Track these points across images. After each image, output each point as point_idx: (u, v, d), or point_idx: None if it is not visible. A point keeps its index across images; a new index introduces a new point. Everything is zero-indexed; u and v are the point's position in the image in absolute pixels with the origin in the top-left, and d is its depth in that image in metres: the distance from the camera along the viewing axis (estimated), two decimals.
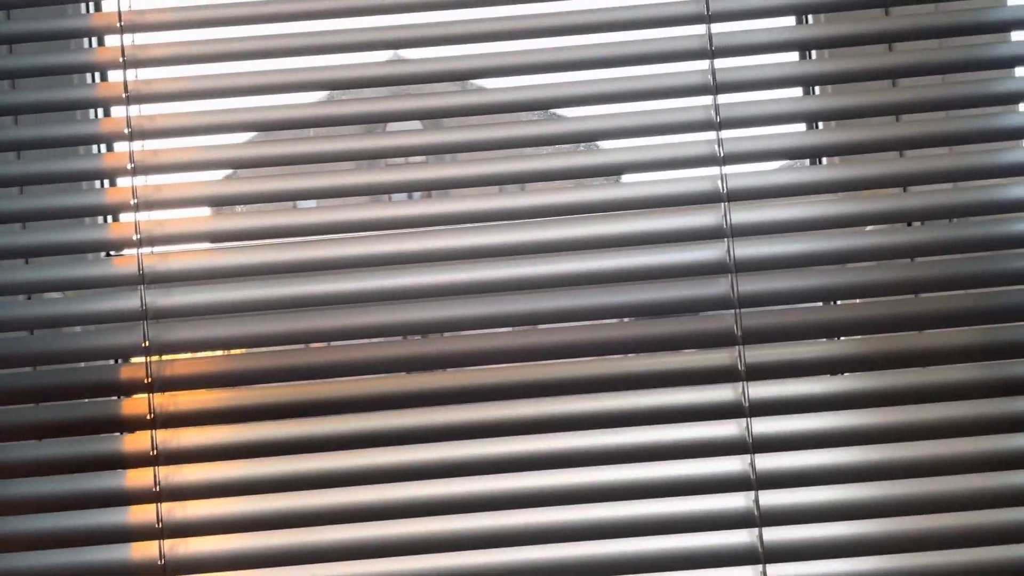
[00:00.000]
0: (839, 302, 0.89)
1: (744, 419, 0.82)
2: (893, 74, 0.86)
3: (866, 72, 0.85)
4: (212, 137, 0.85)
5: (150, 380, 0.82)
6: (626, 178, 0.88)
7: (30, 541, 0.82)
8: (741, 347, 0.82)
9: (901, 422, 0.83)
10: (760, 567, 0.81)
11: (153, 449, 0.82)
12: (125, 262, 0.84)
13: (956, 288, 0.83)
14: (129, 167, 0.84)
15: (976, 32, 0.85)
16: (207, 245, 0.87)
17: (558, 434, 0.84)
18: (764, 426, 0.82)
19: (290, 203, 0.93)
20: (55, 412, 0.84)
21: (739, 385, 0.82)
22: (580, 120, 0.86)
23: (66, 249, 0.85)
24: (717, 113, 0.84)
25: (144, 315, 0.82)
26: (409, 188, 0.86)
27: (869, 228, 0.86)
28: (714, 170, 0.84)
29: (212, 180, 0.86)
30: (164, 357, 0.83)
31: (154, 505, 0.82)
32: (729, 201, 0.83)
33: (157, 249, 0.84)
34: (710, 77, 0.84)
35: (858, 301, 0.87)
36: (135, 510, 0.83)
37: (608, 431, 0.83)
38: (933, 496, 0.82)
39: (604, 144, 0.87)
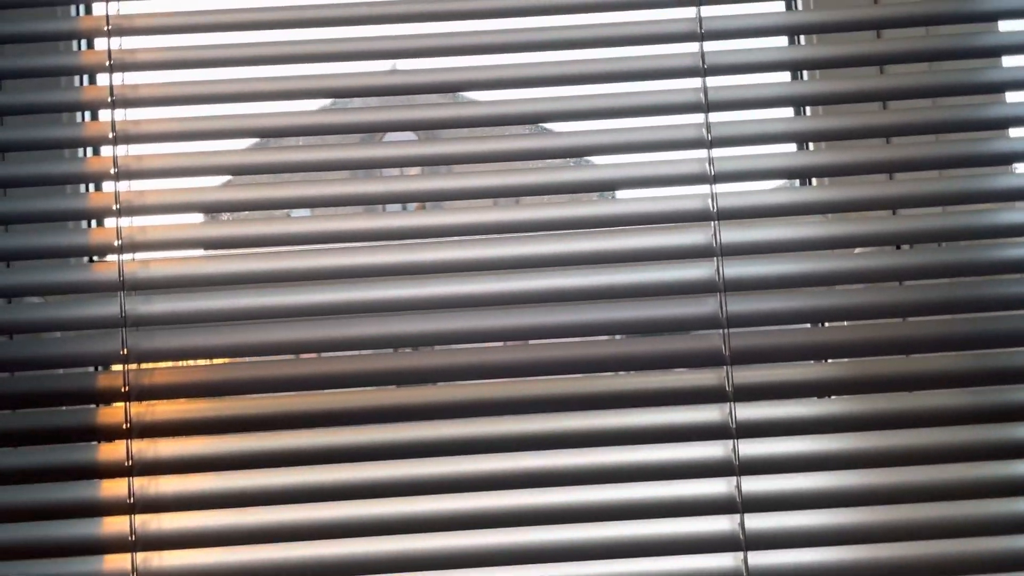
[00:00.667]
0: (827, 324, 0.88)
1: (731, 440, 0.81)
2: (884, 96, 0.86)
3: (857, 94, 0.85)
4: (198, 143, 0.84)
5: (127, 389, 0.80)
6: (617, 194, 0.88)
7: None
8: (729, 367, 0.82)
9: (888, 447, 0.82)
10: None
11: (128, 460, 0.80)
12: (106, 267, 0.82)
13: (944, 312, 0.83)
14: (113, 171, 0.82)
15: (967, 56, 0.86)
16: (189, 252, 0.86)
17: (543, 452, 0.82)
18: (751, 448, 0.81)
19: (280, 212, 0.92)
20: (30, 420, 0.82)
21: (726, 406, 0.82)
22: (571, 135, 0.86)
23: (46, 253, 0.84)
24: (708, 131, 0.83)
25: (123, 322, 0.81)
26: (402, 199, 0.85)
27: (858, 250, 0.86)
28: (705, 188, 0.83)
29: (196, 187, 0.84)
30: (143, 365, 0.81)
31: (127, 517, 0.80)
32: (719, 220, 0.83)
33: (138, 255, 0.82)
34: (702, 95, 0.84)
35: (846, 324, 0.86)
36: (108, 522, 0.81)
37: (593, 449, 0.82)
38: (921, 522, 0.81)
39: (596, 160, 0.87)
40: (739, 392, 0.81)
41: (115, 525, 0.80)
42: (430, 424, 0.83)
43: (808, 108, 0.93)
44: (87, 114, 0.92)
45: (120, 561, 0.80)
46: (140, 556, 0.80)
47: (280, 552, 0.81)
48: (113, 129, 0.83)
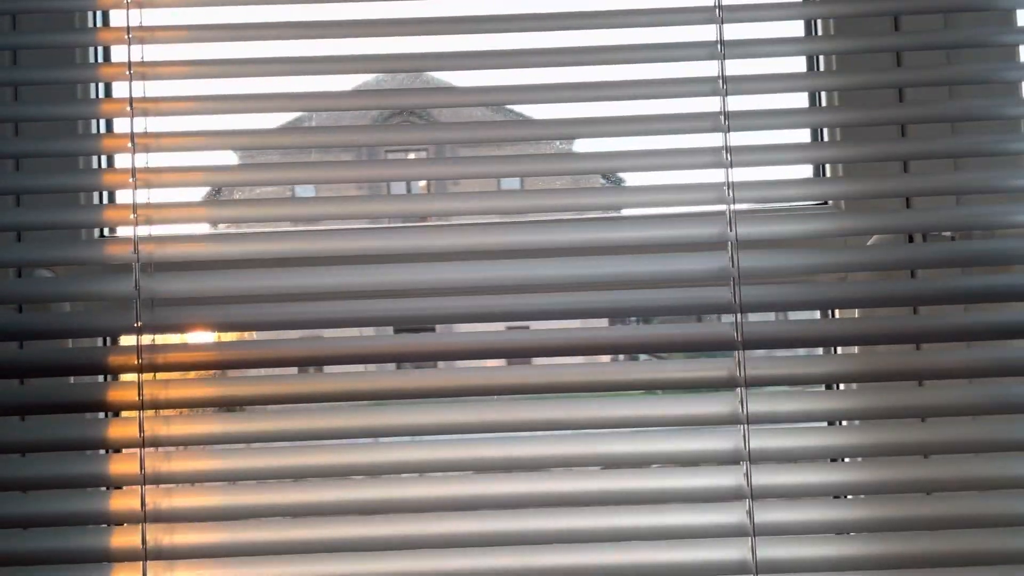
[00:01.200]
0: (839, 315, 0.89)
1: (742, 426, 0.81)
2: (900, 85, 0.87)
3: (873, 83, 0.85)
4: (216, 118, 0.84)
5: (140, 361, 0.80)
6: (633, 178, 0.88)
7: (4, 522, 0.80)
8: (741, 352, 0.81)
9: (898, 440, 0.82)
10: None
11: (140, 432, 0.80)
12: (120, 241, 0.82)
13: (957, 302, 0.83)
14: (129, 145, 0.82)
15: (985, 45, 0.86)
16: (204, 228, 0.86)
17: (549, 437, 0.83)
18: (762, 441, 0.81)
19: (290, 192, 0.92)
20: (41, 392, 0.82)
21: (738, 392, 0.81)
22: (585, 123, 0.85)
23: (60, 227, 0.84)
24: (726, 116, 0.83)
25: (136, 294, 0.81)
26: (409, 179, 0.86)
27: (871, 241, 0.86)
28: (721, 172, 0.83)
29: (213, 164, 0.84)
30: (157, 339, 0.81)
31: (138, 488, 0.80)
32: (734, 204, 0.82)
33: (154, 229, 0.82)
34: (720, 80, 0.83)
35: (857, 314, 0.86)
36: (118, 494, 0.81)
37: (604, 435, 0.82)
38: (930, 515, 0.81)
39: (610, 144, 0.87)
40: (751, 380, 0.81)
41: (126, 500, 0.80)
42: (438, 408, 0.83)
43: (824, 95, 0.92)
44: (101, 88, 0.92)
45: (130, 535, 0.80)
46: (150, 529, 0.80)
47: (289, 530, 0.81)
48: (131, 104, 0.83)
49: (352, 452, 0.82)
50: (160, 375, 0.81)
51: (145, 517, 0.80)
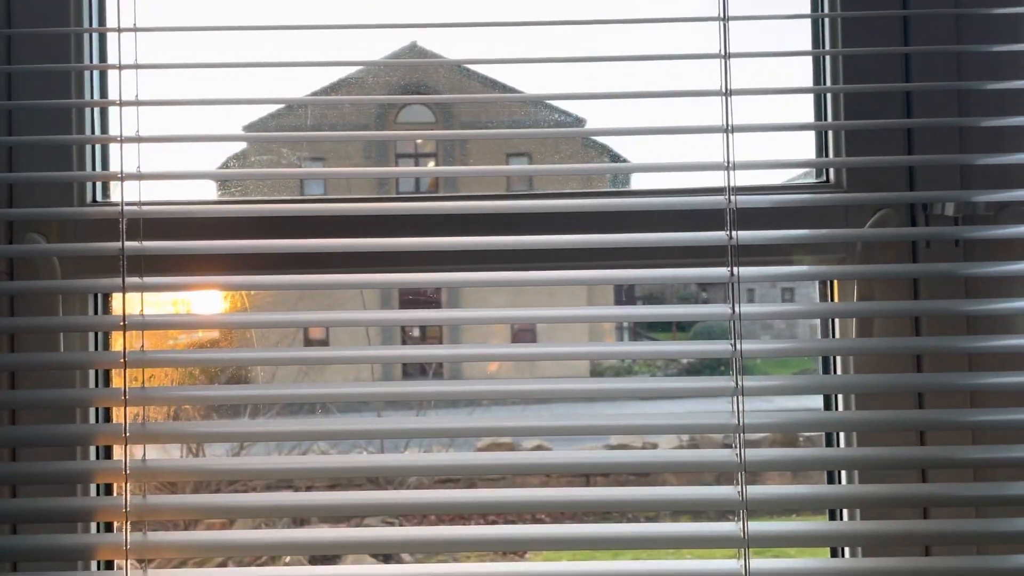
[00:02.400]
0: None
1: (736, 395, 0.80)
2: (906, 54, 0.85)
3: (878, 54, 0.84)
4: (204, 71, 0.82)
5: (124, 323, 0.79)
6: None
7: None
8: (737, 322, 0.80)
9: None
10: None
11: (123, 395, 0.79)
12: (107, 202, 0.81)
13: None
14: (117, 101, 0.81)
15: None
16: (195, 193, 0.86)
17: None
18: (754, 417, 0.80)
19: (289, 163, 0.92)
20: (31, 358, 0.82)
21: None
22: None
23: (50, 181, 0.83)
24: (727, 82, 0.81)
25: (122, 254, 0.79)
26: (412, 137, 0.86)
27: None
28: (719, 137, 0.81)
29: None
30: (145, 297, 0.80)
31: (122, 446, 0.79)
32: (735, 170, 0.80)
33: (144, 183, 0.81)
34: (721, 45, 0.82)
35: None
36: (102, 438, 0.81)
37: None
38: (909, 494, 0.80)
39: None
40: (746, 353, 0.80)
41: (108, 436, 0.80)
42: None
43: (828, 63, 0.90)
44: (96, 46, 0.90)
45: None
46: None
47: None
48: (119, 61, 0.81)
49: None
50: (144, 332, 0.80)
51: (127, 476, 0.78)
